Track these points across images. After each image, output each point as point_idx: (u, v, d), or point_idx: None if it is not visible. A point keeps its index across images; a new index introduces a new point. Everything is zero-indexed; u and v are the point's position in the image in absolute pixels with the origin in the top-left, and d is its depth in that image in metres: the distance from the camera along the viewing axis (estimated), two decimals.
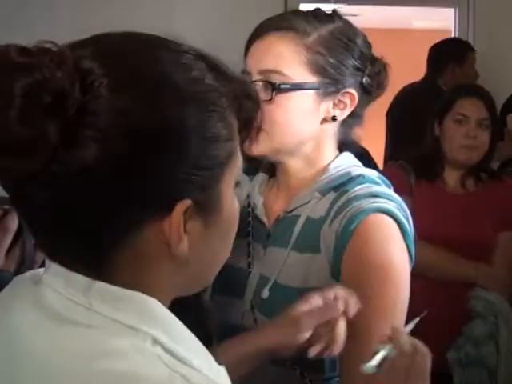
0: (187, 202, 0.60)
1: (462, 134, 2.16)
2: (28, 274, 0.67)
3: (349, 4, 3.71)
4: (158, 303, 0.61)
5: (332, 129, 1.11)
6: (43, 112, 0.55)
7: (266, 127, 1.00)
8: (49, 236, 0.61)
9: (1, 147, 0.55)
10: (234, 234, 0.67)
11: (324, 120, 1.09)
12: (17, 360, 0.59)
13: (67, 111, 0.55)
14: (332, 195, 1.07)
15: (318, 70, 1.06)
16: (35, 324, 0.60)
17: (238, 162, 0.64)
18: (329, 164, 1.10)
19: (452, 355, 2.04)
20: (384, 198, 1.05)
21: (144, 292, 0.61)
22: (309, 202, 1.08)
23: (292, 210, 1.10)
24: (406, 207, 1.08)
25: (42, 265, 0.69)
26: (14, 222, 0.83)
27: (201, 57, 0.62)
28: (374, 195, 1.05)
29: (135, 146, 0.57)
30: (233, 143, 0.62)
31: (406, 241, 1.06)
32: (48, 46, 0.57)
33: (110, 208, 0.58)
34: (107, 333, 0.58)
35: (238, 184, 0.65)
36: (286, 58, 1.05)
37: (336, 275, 1.03)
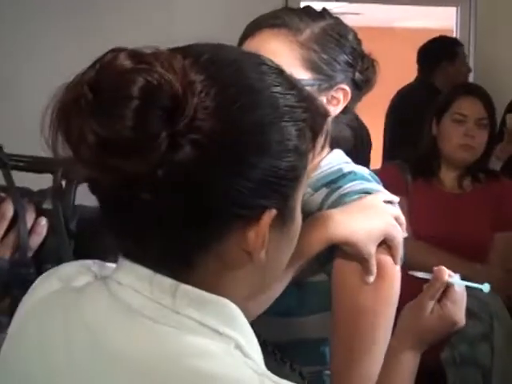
0: (274, 212, 0.63)
1: (460, 134, 2.20)
2: (76, 266, 0.69)
3: (350, 2, 3.77)
4: (239, 309, 0.64)
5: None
6: (159, 116, 0.57)
7: None
8: (133, 238, 0.63)
9: (113, 148, 0.57)
10: (295, 244, 0.70)
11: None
12: (108, 361, 0.61)
13: (183, 118, 0.58)
14: (324, 191, 1.09)
15: (312, 66, 1.08)
16: (121, 326, 0.62)
17: (306, 177, 0.68)
18: (320, 161, 1.12)
19: (446, 355, 2.06)
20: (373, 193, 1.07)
21: (224, 296, 0.64)
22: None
23: None
24: (397, 205, 1.11)
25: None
26: (9, 210, 0.83)
27: (281, 72, 0.66)
28: (367, 192, 1.07)
29: (233, 151, 0.60)
30: (309, 157, 0.67)
31: None
32: (155, 50, 0.60)
33: (202, 213, 0.61)
34: (195, 335, 0.61)
35: (304, 195, 0.69)
36: (280, 55, 1.06)
37: (328, 272, 1.06)
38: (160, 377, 0.58)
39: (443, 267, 0.98)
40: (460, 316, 0.97)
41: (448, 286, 0.97)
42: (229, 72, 0.62)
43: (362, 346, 1.01)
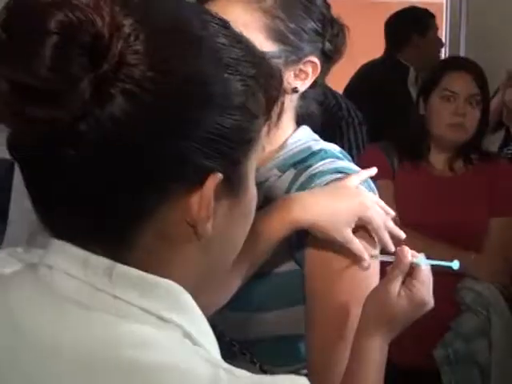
0: (219, 176, 0.60)
1: (450, 112, 2.17)
2: (3, 254, 0.68)
3: None
4: (186, 292, 0.62)
5: (291, 101, 1.11)
6: (79, 56, 0.55)
7: None
8: (60, 211, 0.61)
9: (29, 94, 0.55)
10: (251, 223, 0.68)
11: (284, 92, 1.08)
12: (35, 352, 0.59)
13: (106, 61, 0.56)
14: (291, 172, 1.08)
15: (277, 36, 1.05)
16: (50, 314, 0.60)
17: (260, 146, 0.66)
18: (287, 139, 1.10)
19: (440, 353, 2.05)
20: (349, 173, 1.07)
21: (167, 278, 0.62)
22: (266, 180, 1.09)
23: None
24: (373, 185, 1.09)
25: None
26: None
27: (227, 25, 0.65)
28: (339, 171, 1.06)
29: (170, 103, 0.58)
30: (261, 122, 0.65)
31: None
32: None
33: (135, 177, 0.58)
34: (137, 322, 0.59)
35: (257, 169, 0.67)
36: (242, 25, 1.02)
37: (299, 261, 1.04)
38: (96, 370, 0.56)
39: (405, 247, 0.97)
40: (429, 297, 0.96)
41: (413, 267, 0.96)
42: (164, 17, 0.60)
43: (341, 341, 1.00)
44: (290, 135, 1.11)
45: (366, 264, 1.00)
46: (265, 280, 1.05)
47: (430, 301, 0.96)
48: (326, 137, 1.15)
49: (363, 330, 0.96)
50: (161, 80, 0.57)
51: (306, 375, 1.07)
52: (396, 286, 0.96)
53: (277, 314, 1.06)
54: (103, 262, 0.60)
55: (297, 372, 1.10)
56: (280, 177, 1.08)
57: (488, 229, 2.16)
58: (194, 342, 0.60)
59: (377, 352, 0.94)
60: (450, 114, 2.17)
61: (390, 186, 2.11)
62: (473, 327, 2.05)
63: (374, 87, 2.94)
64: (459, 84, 2.19)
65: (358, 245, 1.00)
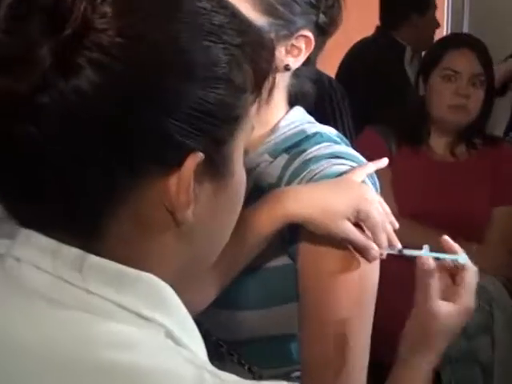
0: (199, 156, 0.58)
1: (452, 92, 2.14)
2: None
3: None
4: (169, 287, 0.61)
5: (283, 80, 1.08)
6: (37, 17, 0.54)
7: None
8: (25, 197, 0.58)
9: None
10: (239, 211, 0.67)
11: (275, 69, 1.04)
12: (6, 355, 0.57)
13: (69, 24, 0.54)
14: (284, 158, 1.05)
15: (267, 8, 1.01)
16: (16, 312, 0.58)
17: (249, 125, 0.65)
18: (279, 121, 1.08)
19: None
20: (347, 159, 1.03)
21: (146, 271, 0.60)
22: (257, 166, 1.06)
23: None
24: (378, 183, 1.06)
25: None
26: None
27: None
28: (335, 156, 1.03)
29: (145, 74, 0.56)
30: (248, 97, 0.63)
31: None
32: None
33: (107, 157, 0.56)
34: (114, 321, 0.57)
35: (246, 152, 0.66)
36: None
37: (292, 255, 1.02)
38: (70, 372, 0.54)
39: (426, 253, 0.95)
40: (473, 302, 0.96)
41: (456, 269, 0.95)
42: None
43: (337, 342, 0.98)
44: (282, 117, 1.08)
45: (375, 254, 0.96)
46: (255, 275, 1.03)
47: (473, 305, 0.95)
48: (319, 118, 1.13)
49: (407, 360, 0.95)
50: (132, 47, 0.55)
51: (298, 378, 1.06)
52: (439, 304, 0.95)
53: (267, 311, 1.04)
54: (74, 252, 0.58)
55: (288, 375, 1.08)
56: (271, 163, 1.06)
57: (491, 218, 2.15)
58: (178, 343, 0.59)
59: (426, 381, 0.94)
60: (451, 95, 2.14)
61: (387, 173, 2.05)
62: (474, 323, 2.01)
63: (369, 67, 2.90)
64: (461, 62, 2.16)
65: (359, 235, 0.97)
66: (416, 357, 0.95)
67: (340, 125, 2.42)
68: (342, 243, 0.97)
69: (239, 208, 0.67)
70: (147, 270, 0.60)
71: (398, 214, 1.99)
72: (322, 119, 1.13)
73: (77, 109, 0.54)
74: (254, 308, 1.04)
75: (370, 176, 1.04)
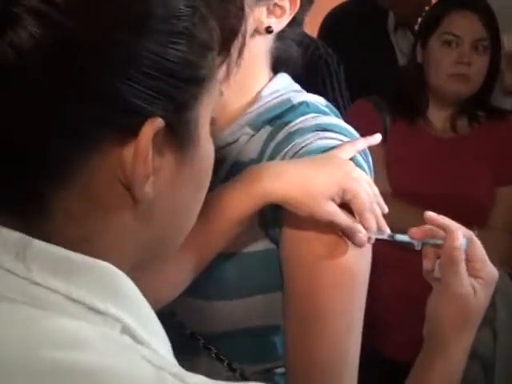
0: (158, 122, 0.57)
1: (452, 60, 2.09)
2: None
3: None
4: (125, 276, 0.60)
5: (265, 43, 1.07)
6: None
7: None
8: None
9: None
10: (206, 188, 0.67)
11: (256, 32, 1.05)
12: None
13: None
14: (267, 130, 1.05)
15: None
16: None
17: (217, 89, 0.64)
18: (261, 90, 1.07)
19: None
20: (336, 131, 1.02)
21: (98, 256, 0.58)
22: (237, 140, 1.06)
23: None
24: (371, 162, 1.05)
25: None
26: None
27: None
28: (323, 128, 1.02)
29: (88, 25, 0.54)
30: (215, 57, 0.62)
31: None
32: None
33: (49, 120, 0.55)
34: (62, 315, 0.56)
35: (213, 121, 0.65)
36: None
37: (274, 239, 1.01)
38: (5, 378, 0.53)
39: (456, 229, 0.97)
40: (493, 267, 1.00)
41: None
42: None
43: (323, 336, 0.98)
44: (264, 85, 1.07)
45: (363, 237, 0.95)
46: (233, 261, 1.02)
47: (497, 272, 0.99)
48: (314, 86, 1.17)
49: (445, 348, 0.97)
50: None
51: (283, 374, 1.06)
52: (467, 283, 0.97)
53: (248, 301, 1.04)
54: (16, 237, 0.57)
55: (272, 371, 1.08)
56: (253, 136, 1.05)
57: (495, 199, 2.10)
58: (136, 339, 0.58)
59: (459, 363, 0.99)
60: (451, 63, 2.09)
61: (380, 149, 2.00)
62: None
63: (350, 35, 2.84)
64: (463, 26, 2.11)
65: (345, 217, 0.95)
66: (455, 343, 0.96)
67: (338, 94, 2.40)
68: (328, 226, 0.96)
69: (206, 184, 0.66)
70: (101, 256, 0.59)
71: (392, 194, 2.02)
72: (317, 87, 1.09)
73: (14, 65, 0.53)
74: (232, 297, 1.04)
75: (362, 153, 1.03)
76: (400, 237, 0.97)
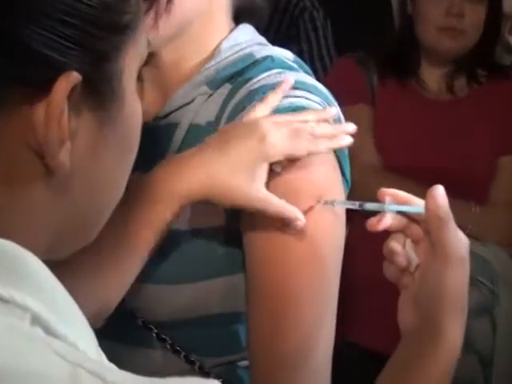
0: (74, 76, 0.57)
1: (441, 11, 2.04)
2: None
3: None
4: (36, 258, 0.58)
5: None
6: None
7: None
8: None
9: None
10: (134, 153, 0.66)
11: None
12: None
13: None
14: (226, 88, 1.06)
15: None
16: None
17: (143, 39, 0.63)
18: (220, 43, 1.08)
19: None
20: (303, 89, 1.03)
21: (3, 235, 0.57)
22: (192, 101, 1.06)
23: (166, 116, 1.08)
24: (335, 102, 1.06)
25: None
26: None
27: None
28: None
29: None
30: (139, 1, 0.62)
31: (337, 158, 1.02)
32: None
33: None
34: None
35: (140, 78, 0.65)
36: None
37: (235, 210, 1.01)
38: None
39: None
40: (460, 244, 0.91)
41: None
42: None
43: (291, 322, 0.96)
44: (224, 38, 1.08)
45: (300, 224, 0.94)
46: (187, 239, 1.03)
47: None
48: (287, 42, 1.17)
49: (439, 329, 0.89)
50: None
51: (246, 368, 1.06)
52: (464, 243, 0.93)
53: (206, 284, 1.03)
54: None
55: (235, 363, 1.08)
56: (211, 95, 1.06)
57: (497, 171, 2.06)
58: (49, 331, 0.56)
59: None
60: (440, 14, 2.05)
61: (367, 113, 1.99)
62: (473, 304, 1.87)
63: None
64: None
65: (275, 204, 0.94)
66: (450, 322, 0.89)
67: (325, 52, 2.41)
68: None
69: (134, 147, 0.66)
70: (8, 235, 0.57)
71: (382, 166, 2.01)
72: (300, 44, 1.12)
73: None
74: (188, 280, 1.03)
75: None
76: (370, 205, 0.95)
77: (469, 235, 1.95)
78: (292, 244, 0.98)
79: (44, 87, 0.56)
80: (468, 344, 2.10)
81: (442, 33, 2.03)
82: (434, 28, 2.04)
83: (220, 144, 0.95)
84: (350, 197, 1.07)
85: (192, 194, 0.95)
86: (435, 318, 0.92)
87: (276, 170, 0.97)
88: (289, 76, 1.04)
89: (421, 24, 2.06)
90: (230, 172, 0.93)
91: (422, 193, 1.88)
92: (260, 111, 0.98)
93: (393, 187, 0.94)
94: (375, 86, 2.07)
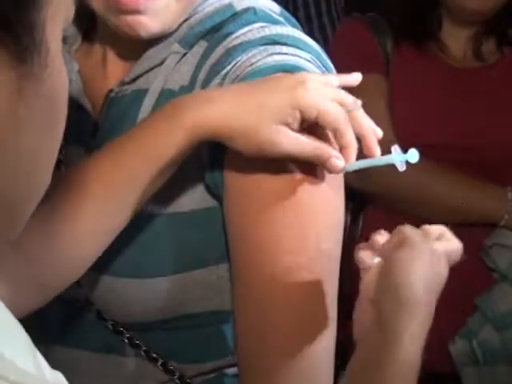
0: None
1: None
2: None
3: None
4: None
5: None
6: None
7: None
8: None
9: None
10: (61, 132, 0.65)
11: None
12: None
13: None
14: (202, 46, 1.06)
15: None
16: None
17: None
18: None
19: (459, 347, 1.97)
20: (289, 45, 1.03)
21: None
22: (163, 61, 1.06)
23: (134, 80, 1.08)
24: (328, 61, 1.05)
25: None
26: None
27: None
28: (273, 41, 1.03)
29: None
30: None
31: None
32: None
33: None
34: None
35: (65, 40, 0.69)
36: None
37: (214, 191, 1.01)
38: None
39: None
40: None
41: None
42: None
43: (285, 317, 0.95)
44: None
45: (338, 163, 0.93)
46: (163, 224, 1.03)
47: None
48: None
49: (387, 337, 0.87)
50: None
51: (235, 376, 1.06)
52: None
53: (186, 277, 1.02)
54: None
55: (221, 371, 1.08)
56: (184, 55, 1.06)
57: None
58: None
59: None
60: None
61: (381, 84, 1.95)
62: (509, 307, 1.96)
63: None
64: None
65: (308, 142, 0.93)
66: (398, 327, 0.88)
67: (334, 10, 2.44)
68: (282, 167, 0.96)
69: (61, 120, 0.65)
70: None
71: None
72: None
73: None
74: (165, 273, 1.03)
75: (322, 66, 1.00)
76: (380, 160, 0.94)
77: (504, 226, 2.03)
78: (281, 223, 0.97)
79: None
80: (503, 354, 1.99)
81: None
82: None
83: (251, 86, 0.94)
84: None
85: (206, 128, 0.94)
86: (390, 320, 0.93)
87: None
88: (273, 29, 1.05)
89: None
90: (259, 110, 0.92)
91: (446, 175, 1.87)
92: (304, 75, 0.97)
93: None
94: (389, 52, 2.04)
